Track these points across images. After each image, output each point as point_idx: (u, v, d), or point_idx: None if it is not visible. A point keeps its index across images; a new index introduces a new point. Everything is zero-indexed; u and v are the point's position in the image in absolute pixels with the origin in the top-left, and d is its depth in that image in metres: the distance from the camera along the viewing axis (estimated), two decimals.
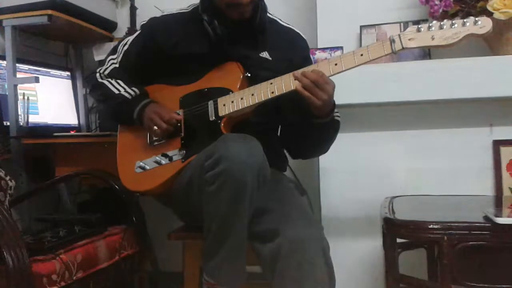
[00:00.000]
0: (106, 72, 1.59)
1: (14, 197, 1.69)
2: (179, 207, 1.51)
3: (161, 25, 1.56)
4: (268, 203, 1.33)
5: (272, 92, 1.35)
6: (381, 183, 1.80)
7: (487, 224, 1.27)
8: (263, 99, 1.36)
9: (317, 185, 1.88)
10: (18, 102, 2.03)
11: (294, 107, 1.46)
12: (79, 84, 2.49)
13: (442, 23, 1.22)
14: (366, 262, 1.83)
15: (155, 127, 1.44)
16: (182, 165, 1.41)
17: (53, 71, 2.35)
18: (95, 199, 2.23)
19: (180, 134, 1.46)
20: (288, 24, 1.61)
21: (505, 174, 1.73)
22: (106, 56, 1.65)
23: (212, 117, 1.43)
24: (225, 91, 1.44)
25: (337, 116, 1.45)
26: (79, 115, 2.47)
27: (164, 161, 1.45)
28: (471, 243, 1.27)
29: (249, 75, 1.46)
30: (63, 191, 2.11)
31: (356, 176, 1.84)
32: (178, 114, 1.47)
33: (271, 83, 1.36)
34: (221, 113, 1.41)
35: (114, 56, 1.61)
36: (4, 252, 1.24)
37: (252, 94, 1.38)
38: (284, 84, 1.34)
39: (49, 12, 2.00)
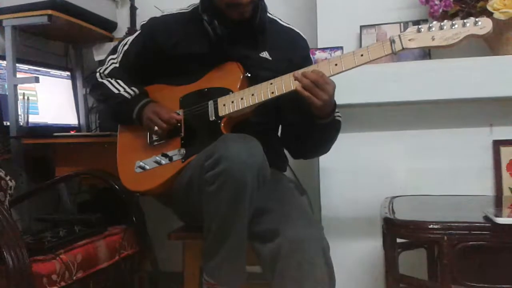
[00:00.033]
0: (106, 72, 1.59)
1: (14, 197, 1.69)
2: (179, 207, 1.51)
3: (161, 25, 1.56)
4: (268, 203, 1.33)
5: (272, 92, 1.35)
6: (381, 183, 1.80)
7: (487, 224, 1.27)
8: (263, 99, 1.36)
9: (317, 185, 1.88)
10: (18, 102, 2.03)
11: (294, 107, 1.46)
12: (79, 84, 2.49)
13: (442, 23, 1.22)
14: (366, 262, 1.83)
15: (156, 127, 1.44)
16: (182, 165, 1.41)
17: (53, 71, 2.35)
18: (95, 199, 2.22)
19: (180, 134, 1.46)
20: (288, 24, 1.61)
21: (505, 174, 1.73)
22: (106, 56, 1.65)
23: (212, 117, 1.43)
24: (225, 91, 1.44)
25: (338, 116, 1.45)
26: (79, 115, 2.47)
27: (164, 161, 1.45)
28: (471, 243, 1.27)
29: (249, 75, 1.46)
30: (63, 191, 2.11)
31: (356, 176, 1.84)
32: (178, 114, 1.47)
33: (271, 83, 1.36)
34: (221, 113, 1.41)
35: (114, 56, 1.61)
36: (4, 252, 1.24)
37: (252, 94, 1.38)
38: (284, 84, 1.34)
39: (49, 12, 2.00)
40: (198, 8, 1.50)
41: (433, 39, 1.23)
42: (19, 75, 2.08)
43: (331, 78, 1.32)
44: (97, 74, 1.61)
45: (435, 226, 1.29)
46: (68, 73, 2.46)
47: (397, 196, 1.69)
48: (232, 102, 1.40)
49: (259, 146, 1.23)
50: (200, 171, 1.25)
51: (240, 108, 1.39)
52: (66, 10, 2.08)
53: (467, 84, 1.65)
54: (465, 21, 1.20)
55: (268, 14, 1.54)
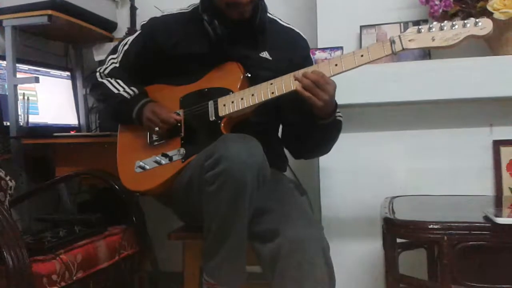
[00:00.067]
0: (106, 71, 1.59)
1: (14, 197, 1.69)
2: (179, 207, 1.51)
3: (161, 25, 1.56)
4: (268, 203, 1.33)
5: (272, 93, 1.35)
6: (381, 183, 1.80)
7: (487, 224, 1.27)
8: (263, 99, 1.36)
9: (317, 185, 1.88)
10: (18, 102, 2.03)
11: (294, 107, 1.46)
12: (79, 84, 2.49)
13: (442, 24, 1.22)
14: (366, 262, 1.83)
15: (156, 128, 1.44)
16: (182, 165, 1.41)
17: (53, 71, 2.35)
18: (95, 199, 2.22)
19: (180, 134, 1.46)
20: (288, 24, 1.61)
21: (505, 174, 1.73)
22: (106, 56, 1.65)
23: (212, 117, 1.43)
24: (225, 91, 1.44)
25: (339, 116, 1.45)
26: (79, 115, 2.47)
27: (164, 161, 1.45)
28: (471, 243, 1.27)
29: (249, 75, 1.46)
30: (63, 191, 2.11)
31: (356, 176, 1.84)
32: (178, 114, 1.48)
33: (271, 84, 1.36)
34: (221, 113, 1.41)
35: (115, 56, 1.61)
36: (4, 252, 1.24)
37: (252, 95, 1.38)
38: (284, 84, 1.34)
39: (49, 12, 2.00)
40: (198, 8, 1.50)
41: (433, 39, 1.23)
42: (19, 75, 2.08)
43: (331, 78, 1.32)
44: (97, 74, 1.61)
45: (435, 226, 1.29)
46: (68, 73, 2.46)
47: (397, 196, 1.69)
48: (232, 102, 1.40)
49: (259, 146, 1.23)
50: (200, 171, 1.25)
51: (240, 108, 1.39)
52: (66, 10, 2.08)
53: (467, 84, 1.65)
54: (465, 21, 1.20)
55: (268, 14, 1.54)
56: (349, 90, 1.61)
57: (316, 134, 1.44)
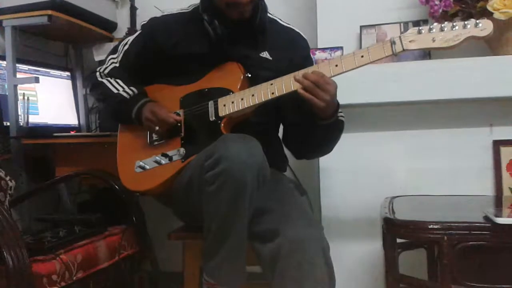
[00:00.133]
0: (106, 71, 1.60)
1: (14, 197, 1.69)
2: (179, 207, 1.51)
3: (161, 25, 1.56)
4: (268, 203, 1.33)
5: (272, 93, 1.35)
6: (381, 183, 1.80)
7: (487, 224, 1.27)
8: (263, 99, 1.36)
9: (317, 185, 1.88)
10: (18, 102, 2.03)
11: (294, 107, 1.46)
12: (79, 84, 2.49)
13: (443, 25, 1.22)
14: (366, 262, 1.83)
15: (156, 127, 1.45)
16: (182, 165, 1.41)
17: (53, 71, 2.35)
18: (95, 199, 2.22)
19: (180, 134, 1.46)
20: (288, 24, 1.61)
21: (505, 174, 1.73)
22: (106, 56, 1.65)
23: (212, 117, 1.43)
24: (225, 92, 1.44)
25: (341, 116, 1.45)
26: (79, 115, 2.47)
27: (164, 161, 1.45)
28: (471, 243, 1.27)
29: (250, 75, 1.46)
30: (63, 191, 2.11)
31: (356, 176, 1.84)
32: (178, 114, 1.48)
33: (272, 84, 1.36)
34: (221, 113, 1.41)
35: (115, 56, 1.61)
36: (4, 252, 1.24)
37: (253, 95, 1.38)
38: (285, 85, 1.34)
39: (49, 12, 2.00)
40: (198, 8, 1.50)
41: (433, 40, 1.23)
42: (19, 75, 2.08)
43: (331, 78, 1.32)
44: (97, 74, 1.61)
45: (435, 226, 1.29)
46: (68, 73, 2.46)
47: (397, 196, 1.69)
48: (232, 102, 1.40)
49: (259, 146, 1.23)
50: (200, 171, 1.25)
51: (240, 108, 1.39)
52: (66, 10, 2.08)
53: (467, 84, 1.65)
54: (465, 22, 1.20)
55: (268, 14, 1.54)
56: (349, 90, 1.60)
57: (318, 134, 1.44)
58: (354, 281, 1.84)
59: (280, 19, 1.61)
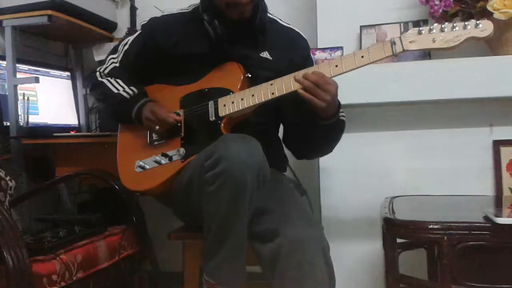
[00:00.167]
0: (106, 71, 1.60)
1: (14, 197, 1.69)
2: (179, 207, 1.51)
3: (161, 25, 1.56)
4: (268, 203, 1.33)
5: (273, 93, 1.35)
6: (381, 183, 1.80)
7: (487, 224, 1.27)
8: (263, 100, 1.36)
9: (317, 185, 1.88)
10: (18, 102, 2.04)
11: (294, 107, 1.46)
12: (79, 84, 2.49)
13: (443, 25, 1.22)
14: (366, 262, 1.83)
15: (157, 127, 1.45)
16: (181, 165, 1.41)
17: (53, 71, 2.35)
18: (95, 199, 2.23)
19: (180, 134, 1.46)
20: (288, 24, 1.61)
21: (505, 174, 1.73)
22: (106, 56, 1.65)
23: (212, 117, 1.43)
24: (225, 92, 1.44)
25: (343, 116, 1.45)
26: (79, 115, 2.47)
27: (164, 160, 1.45)
28: (471, 243, 1.27)
29: (250, 75, 1.46)
30: (63, 191, 2.11)
31: (356, 176, 1.84)
32: (178, 114, 1.48)
33: (272, 84, 1.36)
34: (221, 113, 1.41)
35: (115, 56, 1.61)
36: (4, 252, 1.24)
37: (253, 95, 1.38)
38: (284, 85, 1.34)
39: (49, 12, 2.00)
40: (198, 8, 1.50)
41: (433, 41, 1.23)
42: (19, 75, 2.08)
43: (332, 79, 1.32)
44: (97, 73, 1.61)
45: (435, 226, 1.29)
46: (68, 73, 2.46)
47: (397, 196, 1.69)
48: (233, 102, 1.40)
49: (259, 146, 1.23)
50: (200, 171, 1.25)
51: (241, 108, 1.39)
52: (66, 10, 2.08)
53: (467, 84, 1.65)
54: (466, 23, 1.20)
55: (268, 14, 1.54)
56: (349, 90, 1.60)
57: (319, 134, 1.44)
58: (354, 281, 1.84)
59: (280, 19, 1.61)
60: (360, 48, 1.89)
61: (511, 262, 1.34)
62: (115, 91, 1.54)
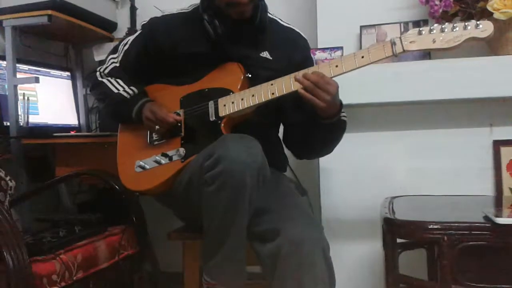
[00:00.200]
0: (106, 71, 1.60)
1: (14, 197, 1.69)
2: (178, 207, 1.51)
3: (161, 25, 1.56)
4: (268, 203, 1.33)
5: (273, 93, 1.35)
6: (381, 183, 1.80)
7: (487, 224, 1.27)
8: (263, 100, 1.37)
9: (317, 185, 1.88)
10: (18, 102, 2.03)
11: (294, 107, 1.47)
12: (79, 84, 2.49)
13: (443, 26, 1.22)
14: (366, 262, 1.83)
15: (157, 126, 1.45)
16: (181, 165, 1.41)
17: (53, 71, 2.35)
18: (95, 199, 2.23)
19: (180, 134, 1.46)
20: (288, 24, 1.61)
21: (505, 174, 1.73)
22: (107, 55, 1.65)
23: (213, 118, 1.43)
24: (225, 92, 1.44)
25: (344, 116, 1.45)
26: (79, 115, 2.47)
27: (164, 160, 1.45)
28: (471, 243, 1.27)
29: (250, 75, 1.46)
30: (63, 191, 2.11)
31: (356, 176, 1.84)
32: (179, 114, 1.48)
33: (272, 84, 1.36)
34: (222, 113, 1.41)
35: (115, 55, 1.61)
36: (4, 252, 1.24)
37: (253, 95, 1.38)
38: (285, 85, 1.34)
39: (49, 12, 2.00)
40: (199, 8, 1.50)
41: (434, 41, 1.23)
42: (19, 75, 2.08)
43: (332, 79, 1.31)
44: (97, 73, 1.61)
45: (435, 226, 1.29)
46: (68, 73, 2.46)
47: (397, 196, 1.69)
48: (233, 102, 1.40)
49: (259, 146, 1.23)
50: (200, 171, 1.25)
51: (241, 108, 1.39)
52: (66, 10, 2.08)
53: (467, 84, 1.65)
54: (466, 23, 1.20)
55: (268, 14, 1.54)
56: (349, 90, 1.60)
57: (319, 134, 1.44)
58: (354, 281, 1.84)
59: (280, 19, 1.61)
60: (360, 48, 1.89)
61: (511, 262, 1.34)
62: (115, 91, 1.54)
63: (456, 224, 1.28)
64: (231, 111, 1.40)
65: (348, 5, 1.94)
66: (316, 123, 1.39)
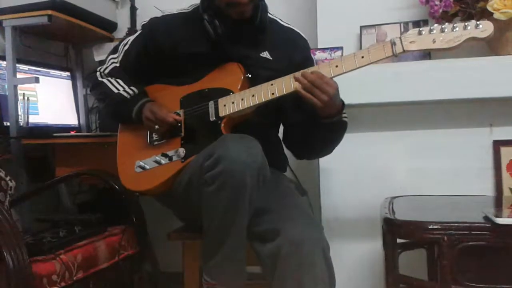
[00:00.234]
0: (106, 71, 1.60)
1: (14, 197, 1.69)
2: (178, 207, 1.51)
3: (161, 25, 1.56)
4: (268, 203, 1.33)
5: (273, 93, 1.36)
6: (381, 183, 1.80)
7: (487, 224, 1.27)
8: (263, 100, 1.37)
9: (317, 185, 1.88)
10: (18, 102, 2.03)
11: (294, 107, 1.47)
12: (79, 84, 2.49)
13: (443, 26, 1.22)
14: (366, 262, 1.83)
15: (156, 126, 1.45)
16: (181, 165, 1.41)
17: (53, 71, 2.35)
18: (95, 199, 2.23)
19: (180, 134, 1.46)
20: (288, 24, 1.61)
21: (505, 174, 1.73)
22: (107, 55, 1.65)
23: (213, 118, 1.43)
24: (225, 92, 1.44)
25: (345, 117, 1.44)
26: (79, 115, 2.47)
27: (164, 161, 1.45)
28: (471, 243, 1.27)
29: (250, 75, 1.46)
30: (63, 191, 2.11)
31: (356, 176, 1.84)
32: (179, 114, 1.48)
33: (272, 84, 1.36)
34: (222, 113, 1.41)
35: (115, 55, 1.61)
36: (4, 252, 1.24)
37: (253, 95, 1.38)
38: (285, 85, 1.34)
39: (49, 12, 2.00)
40: (199, 8, 1.50)
41: (434, 41, 1.23)
42: (19, 75, 2.08)
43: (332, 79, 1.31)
44: (98, 73, 1.61)
45: (435, 226, 1.29)
46: (68, 73, 2.46)
47: (397, 196, 1.69)
48: (233, 102, 1.40)
49: (259, 146, 1.23)
50: (200, 171, 1.25)
51: (241, 108, 1.39)
52: (66, 10, 2.08)
53: (467, 84, 1.65)
54: (466, 24, 1.20)
55: (269, 14, 1.54)
56: (349, 90, 1.60)
57: (319, 134, 1.44)
58: (354, 281, 1.84)
59: (280, 19, 1.61)
60: (360, 48, 1.89)
61: (511, 262, 1.34)
62: (116, 91, 1.54)
63: (456, 224, 1.28)
64: (231, 111, 1.40)
65: (348, 5, 1.94)
66: (316, 122, 1.39)
